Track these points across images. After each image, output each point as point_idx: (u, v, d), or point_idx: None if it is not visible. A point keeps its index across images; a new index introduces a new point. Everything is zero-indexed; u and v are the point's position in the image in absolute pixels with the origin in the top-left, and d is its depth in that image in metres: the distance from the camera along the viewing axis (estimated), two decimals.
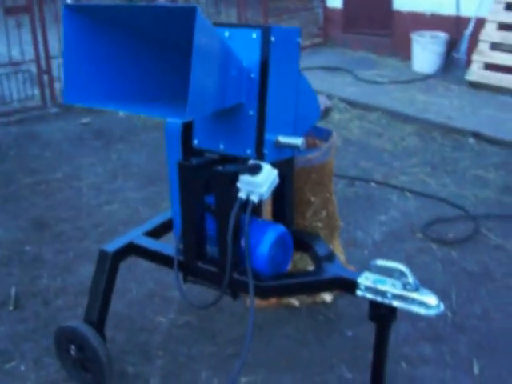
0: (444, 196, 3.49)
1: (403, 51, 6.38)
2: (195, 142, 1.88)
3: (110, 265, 2.01)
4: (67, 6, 1.52)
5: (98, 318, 2.00)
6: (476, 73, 5.56)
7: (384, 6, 6.76)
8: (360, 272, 1.81)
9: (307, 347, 2.24)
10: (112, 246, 2.04)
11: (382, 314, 1.79)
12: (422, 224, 3.15)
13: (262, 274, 1.83)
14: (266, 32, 1.69)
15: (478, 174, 3.79)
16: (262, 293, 1.85)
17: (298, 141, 1.80)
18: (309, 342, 2.27)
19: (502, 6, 5.53)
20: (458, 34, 5.96)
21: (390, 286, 1.75)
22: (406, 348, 2.21)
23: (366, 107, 5.17)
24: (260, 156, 1.77)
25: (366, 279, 1.79)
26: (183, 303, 2.47)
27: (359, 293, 1.79)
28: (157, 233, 2.19)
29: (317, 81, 5.63)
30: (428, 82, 5.78)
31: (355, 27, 7.08)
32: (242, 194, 1.69)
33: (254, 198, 1.68)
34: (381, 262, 1.79)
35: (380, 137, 4.56)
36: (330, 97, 5.15)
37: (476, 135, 4.37)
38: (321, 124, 2.29)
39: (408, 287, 1.72)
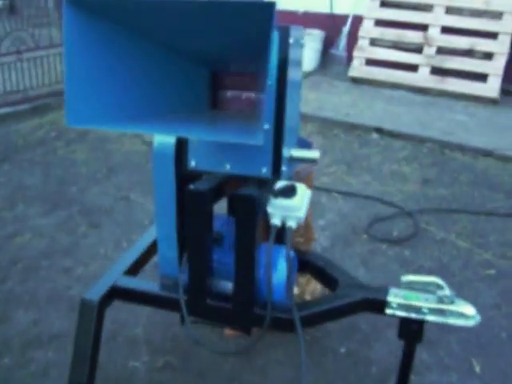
0: (370, 194, 3.51)
1: None
2: (192, 163, 1.63)
3: (96, 316, 1.69)
4: (69, 1, 1.19)
5: (87, 379, 1.68)
6: (358, 68, 5.74)
7: None
8: (386, 290, 1.70)
9: (308, 372, 2.08)
10: (95, 294, 1.72)
11: (413, 331, 1.70)
12: (363, 225, 3.13)
13: (280, 304, 1.65)
14: (284, 33, 1.49)
15: (394, 169, 3.87)
16: (291, 325, 1.66)
17: (314, 154, 1.64)
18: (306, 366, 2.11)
19: (377, 3, 5.76)
20: (334, 31, 6.12)
21: (424, 301, 1.66)
22: None
23: None
24: (277, 175, 1.58)
25: (395, 296, 1.68)
26: (152, 341, 2.20)
27: (389, 311, 1.67)
28: (135, 268, 1.90)
29: None
30: (312, 80, 5.85)
31: None
32: (275, 221, 1.49)
33: (292, 224, 1.49)
34: (413, 278, 1.69)
35: None
36: None
37: (378, 130, 4.48)
38: None
39: (445, 300, 1.65)
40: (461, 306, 1.65)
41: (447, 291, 1.66)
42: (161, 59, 1.41)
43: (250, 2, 1.07)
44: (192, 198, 1.55)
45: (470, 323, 1.64)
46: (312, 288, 2.30)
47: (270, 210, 1.49)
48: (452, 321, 1.65)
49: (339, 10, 6.14)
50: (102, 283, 1.76)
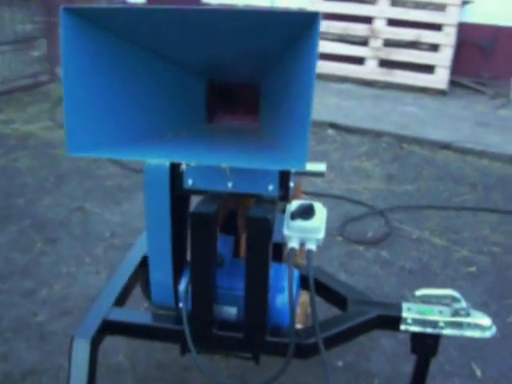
0: (335, 192, 3.45)
1: None
2: (189, 182, 1.48)
3: (90, 355, 1.52)
4: (66, 9, 1.02)
5: None
6: None
7: (192, 0, 6.57)
8: (399, 305, 1.63)
9: None
10: (86, 331, 1.54)
11: (429, 345, 1.63)
12: (335, 226, 3.06)
13: (284, 328, 1.55)
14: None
15: (355, 166, 3.83)
16: (307, 351, 1.55)
17: (321, 167, 1.54)
18: None
19: None
20: None
21: (439, 314, 1.59)
22: (405, 367, 2.08)
23: None
24: (286, 192, 1.47)
25: (409, 311, 1.60)
26: (137, 369, 2.04)
27: (404, 327, 1.60)
28: (124, 297, 1.74)
29: None
30: None
31: None
32: (293, 244, 1.37)
33: (312, 246, 1.37)
34: (427, 291, 1.62)
35: None
36: None
37: (333, 126, 4.44)
38: None
39: (461, 312, 1.59)
40: (477, 317, 1.60)
41: (463, 303, 1.60)
42: (160, 72, 1.26)
43: (292, 12, 0.94)
44: (196, 222, 1.40)
45: (487, 335, 1.59)
46: (302, 300, 2.20)
47: (286, 232, 1.37)
48: (469, 333, 1.59)
49: (281, 4, 6.06)
50: (92, 318, 1.58)
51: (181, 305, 1.60)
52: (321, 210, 1.38)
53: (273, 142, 1.16)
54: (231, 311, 1.57)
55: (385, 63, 5.34)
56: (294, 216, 1.34)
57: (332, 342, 1.59)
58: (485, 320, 1.59)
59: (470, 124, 4.43)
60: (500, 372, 2.05)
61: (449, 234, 2.94)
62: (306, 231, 1.36)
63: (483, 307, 2.40)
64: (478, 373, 2.05)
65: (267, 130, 1.24)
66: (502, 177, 3.66)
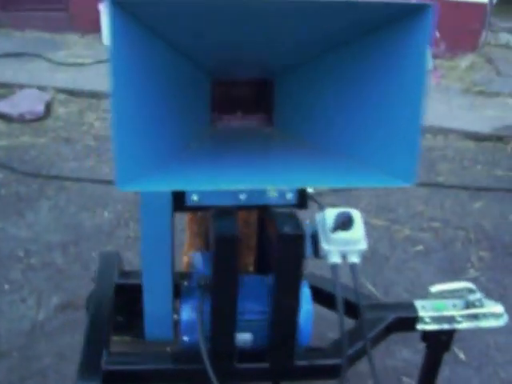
0: None
1: (83, 26, 5.79)
2: (194, 198, 1.28)
3: None
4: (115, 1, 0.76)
5: None
6: None
7: None
8: (413, 304, 1.54)
9: None
10: None
11: (442, 341, 1.57)
12: None
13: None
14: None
15: None
16: (336, 371, 1.41)
17: None
18: None
19: None
20: None
21: (454, 309, 1.54)
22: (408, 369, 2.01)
23: (94, 95, 4.49)
24: (304, 200, 1.32)
25: (424, 309, 1.53)
26: None
27: (420, 327, 1.53)
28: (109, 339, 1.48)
29: (8, 72, 4.73)
30: None
31: (17, 3, 6.12)
32: (335, 259, 1.22)
33: (355, 259, 1.23)
34: (442, 287, 1.55)
35: None
36: (41, 88, 4.40)
37: None
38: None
39: (476, 303, 1.54)
40: (491, 306, 1.56)
41: (478, 294, 1.55)
42: (188, 75, 1.03)
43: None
44: (222, 245, 1.20)
45: (501, 322, 1.56)
46: None
47: (326, 247, 1.21)
48: (484, 324, 1.55)
49: None
50: (91, 372, 1.32)
51: (186, 338, 1.40)
52: (358, 218, 1.24)
53: (345, 153, 0.98)
54: (246, 338, 1.39)
55: None
56: (335, 228, 1.19)
57: (359, 354, 1.47)
58: (497, 307, 1.56)
59: None
60: (480, 352, 2.07)
61: (385, 214, 2.94)
62: (347, 243, 1.21)
63: None
64: (462, 356, 2.05)
65: (319, 138, 1.06)
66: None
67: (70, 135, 3.70)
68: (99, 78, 4.67)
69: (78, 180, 3.10)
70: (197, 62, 1.12)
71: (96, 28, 5.62)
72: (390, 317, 1.51)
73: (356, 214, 1.24)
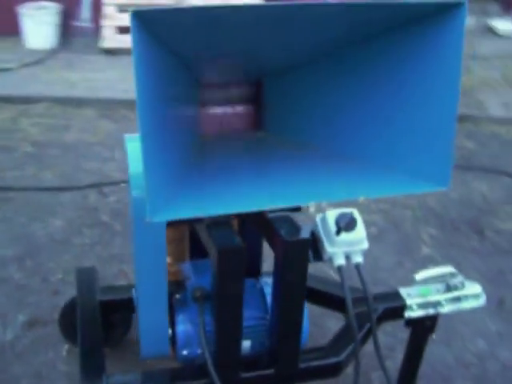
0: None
1: (2, 29, 5.48)
2: None
3: None
4: (137, 14, 0.73)
5: None
6: (110, 38, 5.27)
7: None
8: (398, 293, 1.59)
9: None
10: None
11: (427, 325, 1.64)
12: None
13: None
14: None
15: None
16: (341, 368, 1.44)
17: None
18: None
19: None
20: (72, 1, 5.47)
21: (437, 293, 1.60)
22: None
23: (26, 100, 4.29)
24: None
25: (410, 297, 1.58)
26: None
27: (409, 314, 1.58)
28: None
29: None
30: (62, 58, 5.18)
31: None
32: (340, 261, 1.23)
33: (359, 259, 1.25)
34: (427, 273, 1.60)
35: (77, 130, 3.90)
36: None
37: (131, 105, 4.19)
38: None
39: (458, 285, 1.60)
40: (471, 287, 1.63)
41: (460, 277, 1.62)
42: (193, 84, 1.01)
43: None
44: (227, 258, 1.19)
45: (481, 302, 1.64)
46: None
47: (330, 249, 1.22)
48: (466, 305, 1.62)
49: None
50: None
51: (185, 351, 1.39)
52: (359, 217, 1.26)
53: (369, 160, 0.98)
54: (245, 345, 1.39)
55: None
56: (339, 230, 1.20)
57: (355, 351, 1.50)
58: (477, 288, 1.63)
59: None
60: (448, 328, 2.16)
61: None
62: (351, 244, 1.23)
63: (399, 267, 2.51)
64: (434, 336, 2.13)
65: (335, 145, 1.05)
66: None
67: (6, 143, 3.51)
68: (28, 83, 4.48)
69: (23, 189, 2.95)
70: (189, 69, 1.10)
71: (15, 31, 5.34)
72: (380, 309, 1.55)
73: (356, 214, 1.26)
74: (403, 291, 1.58)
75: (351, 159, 0.99)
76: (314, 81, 1.07)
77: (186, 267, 1.46)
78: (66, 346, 1.98)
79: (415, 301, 1.56)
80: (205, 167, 1.04)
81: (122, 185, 3.02)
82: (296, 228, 1.22)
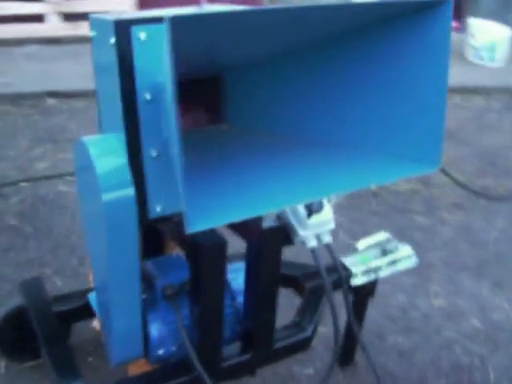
0: None
1: None
2: (157, 210, 1.26)
3: None
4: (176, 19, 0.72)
5: None
6: None
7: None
8: (342, 263, 1.70)
9: None
10: None
11: (368, 289, 1.77)
12: None
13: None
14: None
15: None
16: (308, 343, 1.52)
17: None
18: None
19: None
20: None
21: (376, 259, 1.72)
22: None
23: None
24: None
25: (354, 266, 1.70)
26: None
27: (355, 282, 1.69)
28: None
29: None
30: None
31: None
32: (313, 243, 1.30)
33: (328, 238, 1.33)
34: (366, 242, 1.72)
35: None
36: None
37: (52, 94, 4.00)
38: None
39: (394, 249, 1.74)
40: (403, 250, 1.78)
41: (394, 242, 1.76)
42: None
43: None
44: (211, 255, 1.22)
45: (413, 262, 1.79)
46: None
47: (303, 232, 1.29)
48: (400, 266, 1.77)
49: None
50: None
51: (161, 351, 1.40)
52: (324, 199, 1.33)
53: (364, 148, 1.04)
54: None
55: (69, 17, 4.94)
56: (309, 214, 1.27)
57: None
58: (407, 249, 1.78)
59: None
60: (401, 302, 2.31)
61: None
62: (320, 226, 1.31)
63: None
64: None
65: (321, 136, 1.09)
66: None
67: None
68: None
69: None
70: None
71: None
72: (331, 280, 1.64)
73: None
74: (346, 261, 1.69)
75: (354, 152, 1.03)
76: (286, 72, 1.11)
77: (149, 266, 1.46)
78: (3, 363, 1.89)
79: (359, 269, 1.67)
80: (212, 168, 1.05)
81: (22, 184, 2.87)
82: (262, 217, 1.27)
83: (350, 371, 1.89)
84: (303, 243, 1.30)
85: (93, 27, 1.26)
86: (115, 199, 1.16)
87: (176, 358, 1.41)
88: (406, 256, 1.76)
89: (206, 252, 1.19)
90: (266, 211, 0.97)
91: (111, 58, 1.14)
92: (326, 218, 1.31)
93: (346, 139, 1.04)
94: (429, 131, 0.94)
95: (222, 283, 1.24)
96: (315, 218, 1.29)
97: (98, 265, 1.35)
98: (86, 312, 1.53)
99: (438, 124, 0.92)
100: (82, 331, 1.87)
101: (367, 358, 1.51)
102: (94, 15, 1.27)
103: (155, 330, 1.38)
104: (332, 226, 1.33)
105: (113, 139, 1.22)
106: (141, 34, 1.12)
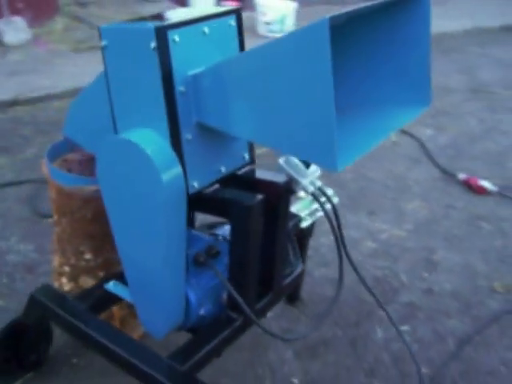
0: None
1: None
2: (195, 185, 1.48)
3: None
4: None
5: None
6: None
7: None
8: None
9: None
10: None
11: (308, 229, 2.10)
12: None
13: None
14: None
15: None
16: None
17: None
18: None
19: None
20: None
21: (313, 202, 1.96)
22: None
23: None
24: (253, 156, 1.66)
25: (301, 211, 2.01)
26: None
27: (305, 224, 2.00)
28: None
29: None
30: None
31: None
32: (311, 188, 1.60)
33: (320, 183, 1.65)
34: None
35: None
36: None
37: None
38: None
39: (321, 192, 2.07)
40: (328, 190, 2.15)
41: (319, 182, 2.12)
42: None
43: None
44: (251, 214, 1.47)
45: (337, 200, 2.19)
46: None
47: (304, 181, 1.59)
48: (329, 205, 2.15)
49: None
50: None
51: (202, 311, 1.61)
52: None
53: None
54: None
55: None
56: (309, 164, 1.58)
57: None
58: (330, 190, 2.16)
59: None
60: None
61: None
62: (313, 173, 1.62)
63: None
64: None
65: None
66: None
67: None
68: None
69: None
70: None
71: None
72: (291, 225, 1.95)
73: None
74: (293, 208, 2.00)
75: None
76: None
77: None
78: None
79: (305, 213, 2.01)
80: None
81: None
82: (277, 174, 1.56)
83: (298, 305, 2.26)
84: (304, 189, 1.61)
85: (106, 36, 1.40)
86: (170, 178, 1.36)
87: (211, 317, 1.63)
88: (332, 195, 2.14)
89: (254, 209, 1.44)
90: (382, 139, 1.27)
91: (150, 60, 1.32)
92: (314, 166, 1.64)
93: (368, 97, 1.40)
94: (420, 79, 1.34)
95: (260, 234, 1.51)
96: (311, 167, 1.61)
97: (139, 250, 1.49)
98: (109, 301, 1.66)
99: (425, 74, 1.34)
100: (55, 337, 1.95)
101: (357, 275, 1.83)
102: (104, 26, 1.41)
103: (193, 293, 1.58)
104: (319, 172, 1.66)
105: (150, 131, 1.40)
106: (175, 37, 1.33)
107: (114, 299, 1.67)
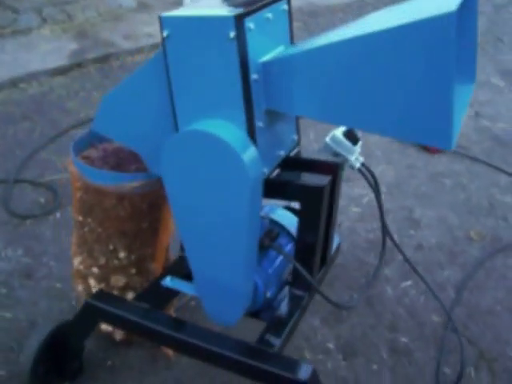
0: None
1: None
2: (265, 171, 1.50)
3: None
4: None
5: None
6: None
7: None
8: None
9: None
10: None
11: None
12: None
13: None
14: None
15: None
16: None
17: None
18: None
19: None
20: None
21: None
22: None
23: None
24: (299, 135, 1.69)
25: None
26: None
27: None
28: None
29: None
30: None
31: None
32: (358, 164, 1.65)
33: (362, 159, 1.71)
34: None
35: None
36: None
37: None
38: None
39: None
40: None
41: None
42: None
43: None
44: (322, 195, 1.52)
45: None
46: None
47: (352, 157, 1.66)
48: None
49: None
50: None
51: (269, 293, 1.65)
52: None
53: None
54: None
55: None
56: (357, 140, 1.65)
57: None
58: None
59: None
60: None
61: None
62: (358, 150, 1.69)
63: None
64: None
65: None
66: None
67: None
68: None
69: None
70: None
71: None
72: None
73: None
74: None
75: None
76: None
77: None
78: None
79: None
80: None
81: None
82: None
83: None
84: (351, 166, 1.68)
85: (168, 26, 1.34)
86: (253, 168, 1.36)
87: (275, 299, 1.68)
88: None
89: (321, 191, 1.49)
90: (465, 113, 1.34)
91: (228, 49, 1.30)
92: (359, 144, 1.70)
93: None
94: (469, 60, 1.46)
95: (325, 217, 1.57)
96: (358, 144, 1.67)
97: (213, 242, 1.48)
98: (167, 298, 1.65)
99: (473, 56, 1.45)
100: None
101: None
102: (165, 14, 1.35)
103: (259, 277, 1.62)
104: (360, 149, 1.73)
105: (223, 122, 1.39)
106: (251, 24, 1.32)
107: (171, 294, 1.65)
